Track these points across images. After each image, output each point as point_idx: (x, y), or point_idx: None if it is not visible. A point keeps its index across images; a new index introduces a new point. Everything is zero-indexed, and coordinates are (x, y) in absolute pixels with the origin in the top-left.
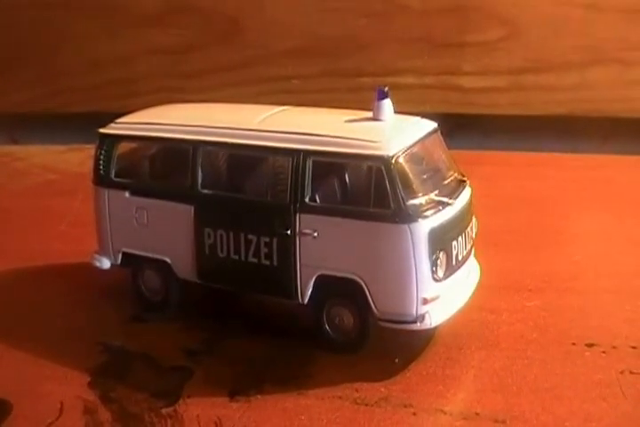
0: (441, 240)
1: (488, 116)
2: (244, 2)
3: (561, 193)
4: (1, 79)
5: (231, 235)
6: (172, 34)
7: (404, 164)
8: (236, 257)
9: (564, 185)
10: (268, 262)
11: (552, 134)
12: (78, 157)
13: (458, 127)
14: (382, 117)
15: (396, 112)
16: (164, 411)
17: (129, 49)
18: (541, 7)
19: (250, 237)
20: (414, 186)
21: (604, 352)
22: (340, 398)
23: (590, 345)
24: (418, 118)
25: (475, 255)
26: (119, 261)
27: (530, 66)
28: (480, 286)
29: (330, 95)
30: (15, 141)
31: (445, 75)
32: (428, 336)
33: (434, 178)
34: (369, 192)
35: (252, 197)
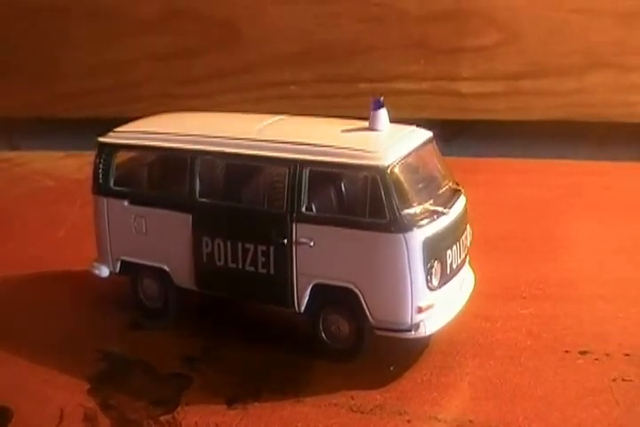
0: (435, 249)
1: (486, 121)
2: (243, 8)
3: (556, 200)
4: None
5: (229, 243)
6: (169, 40)
7: (399, 173)
8: (234, 266)
9: (560, 192)
10: (264, 271)
11: (549, 140)
12: (77, 163)
13: (455, 133)
14: (378, 127)
15: (392, 120)
16: (162, 418)
17: (128, 55)
18: (539, 12)
19: (247, 245)
20: (409, 196)
21: (597, 360)
22: (335, 405)
23: (583, 353)
24: (413, 128)
25: (469, 263)
26: (118, 270)
27: (527, 71)
28: (474, 293)
29: (327, 101)
30: (14, 147)
31: (443, 80)
32: (422, 344)
33: (429, 187)
34: (364, 202)
35: (249, 207)
